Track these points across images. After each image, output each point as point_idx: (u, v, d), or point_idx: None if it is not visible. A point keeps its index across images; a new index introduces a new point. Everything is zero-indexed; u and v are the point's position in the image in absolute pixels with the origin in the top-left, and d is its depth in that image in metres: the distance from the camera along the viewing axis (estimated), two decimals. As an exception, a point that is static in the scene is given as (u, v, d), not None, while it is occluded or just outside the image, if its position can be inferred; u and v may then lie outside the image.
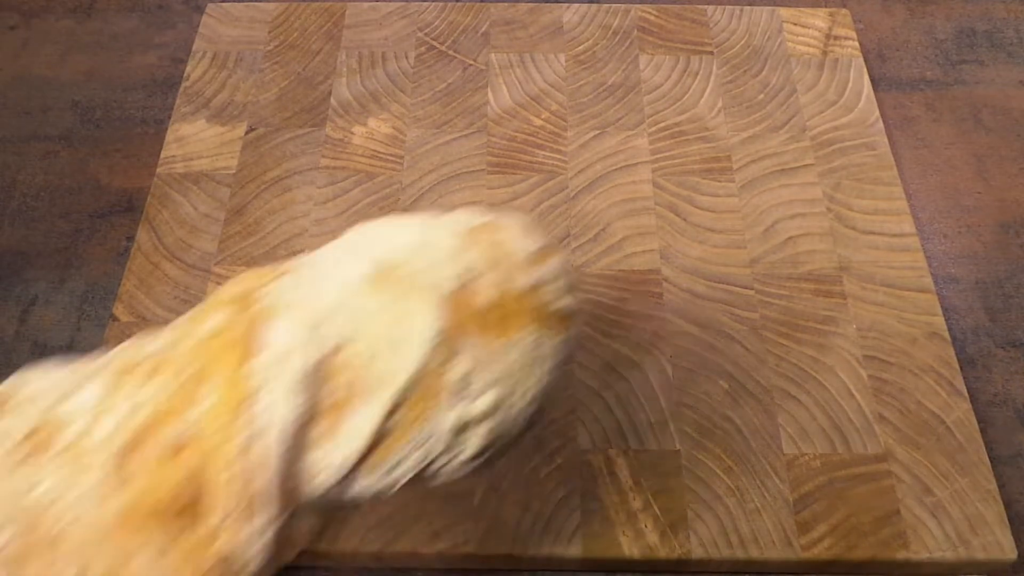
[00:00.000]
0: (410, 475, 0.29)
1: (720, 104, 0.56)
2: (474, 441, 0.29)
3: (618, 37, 0.60)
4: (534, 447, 0.43)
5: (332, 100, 0.56)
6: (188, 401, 0.26)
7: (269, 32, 0.60)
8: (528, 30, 0.60)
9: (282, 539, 0.28)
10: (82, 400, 0.27)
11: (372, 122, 0.55)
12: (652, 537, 0.41)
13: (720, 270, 0.49)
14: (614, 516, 0.41)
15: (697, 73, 0.58)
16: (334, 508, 0.29)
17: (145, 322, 0.47)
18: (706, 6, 0.61)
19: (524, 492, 0.42)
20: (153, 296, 0.48)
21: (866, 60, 0.59)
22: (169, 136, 0.54)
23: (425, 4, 0.61)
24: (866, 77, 0.57)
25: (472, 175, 0.53)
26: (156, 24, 0.63)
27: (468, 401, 0.28)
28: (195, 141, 0.54)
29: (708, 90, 0.57)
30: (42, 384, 0.29)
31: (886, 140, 0.54)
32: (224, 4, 0.61)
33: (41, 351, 0.48)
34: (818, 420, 0.44)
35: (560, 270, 0.32)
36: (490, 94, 0.57)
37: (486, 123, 0.55)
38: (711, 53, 0.59)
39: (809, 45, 0.59)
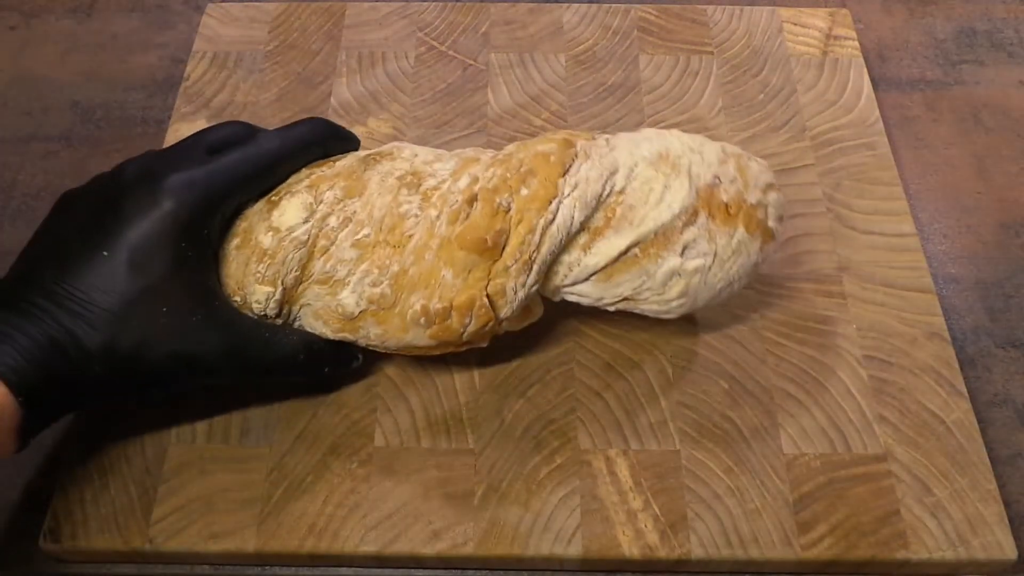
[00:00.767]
0: (627, 294, 0.41)
1: (720, 104, 0.56)
2: (676, 289, 0.41)
3: (618, 37, 0.60)
4: (534, 447, 0.43)
5: (332, 100, 0.56)
6: (519, 184, 0.40)
7: (269, 32, 0.60)
8: (528, 30, 0.60)
9: (525, 303, 0.41)
10: (443, 166, 0.42)
11: (372, 122, 0.55)
12: (652, 537, 0.41)
13: (720, 270, 0.49)
14: (614, 516, 0.41)
15: (697, 73, 0.58)
16: (559, 299, 0.43)
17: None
18: (706, 6, 0.61)
19: (524, 492, 0.42)
20: (153, 296, 0.48)
21: (866, 60, 0.59)
22: (169, 136, 0.54)
23: (425, 4, 0.61)
24: (866, 77, 0.57)
25: (472, 175, 0.53)
26: (156, 24, 0.63)
27: (686, 259, 0.40)
28: (195, 141, 0.54)
29: (708, 90, 0.57)
30: (415, 150, 0.43)
31: (886, 140, 0.54)
32: (224, 4, 0.61)
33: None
34: (818, 420, 0.44)
35: (779, 202, 0.43)
36: (490, 94, 0.57)
37: (486, 123, 0.55)
38: (711, 53, 0.59)
39: (809, 45, 0.59)
